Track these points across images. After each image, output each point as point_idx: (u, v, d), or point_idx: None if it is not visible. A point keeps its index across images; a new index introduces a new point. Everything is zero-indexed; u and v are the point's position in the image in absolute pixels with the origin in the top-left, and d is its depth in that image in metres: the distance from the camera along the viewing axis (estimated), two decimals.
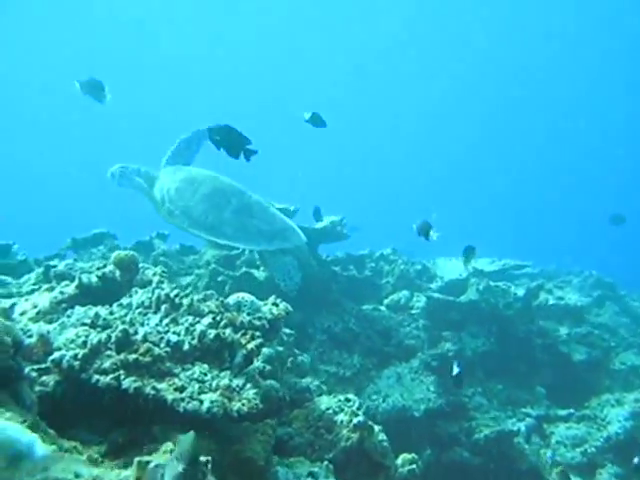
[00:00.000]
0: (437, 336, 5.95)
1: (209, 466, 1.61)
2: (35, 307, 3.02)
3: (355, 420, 3.37)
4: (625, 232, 9.29)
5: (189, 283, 5.57)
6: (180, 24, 32.54)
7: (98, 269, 3.24)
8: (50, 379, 2.36)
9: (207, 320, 2.71)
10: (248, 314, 3.05)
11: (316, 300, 5.65)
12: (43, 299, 3.07)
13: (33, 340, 2.46)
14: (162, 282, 3.14)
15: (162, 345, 2.54)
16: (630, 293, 8.38)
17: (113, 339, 2.43)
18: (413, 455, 3.78)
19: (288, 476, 2.78)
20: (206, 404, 2.31)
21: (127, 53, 30.93)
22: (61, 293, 3.07)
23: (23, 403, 1.97)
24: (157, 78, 31.93)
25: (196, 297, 2.91)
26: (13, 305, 3.07)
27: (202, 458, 1.58)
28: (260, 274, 5.49)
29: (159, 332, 2.62)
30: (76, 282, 3.13)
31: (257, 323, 2.90)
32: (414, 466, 3.70)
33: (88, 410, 2.36)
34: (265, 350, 3.23)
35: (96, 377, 2.30)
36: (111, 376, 2.29)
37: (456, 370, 3.96)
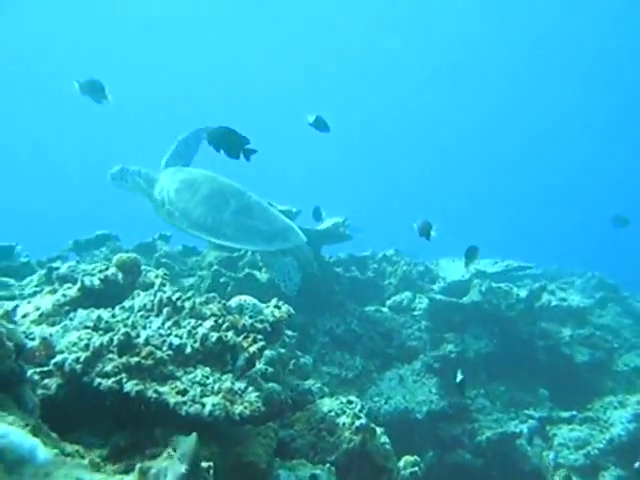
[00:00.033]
0: (439, 338, 5.94)
1: (211, 472, 1.61)
2: (38, 309, 3.02)
3: (357, 422, 3.37)
4: (628, 233, 9.25)
5: (191, 285, 5.57)
6: (183, 24, 32.57)
7: (100, 272, 3.24)
8: (52, 382, 2.36)
9: (209, 323, 2.71)
10: (250, 317, 3.05)
11: (318, 301, 5.65)
12: (45, 301, 3.07)
13: (35, 343, 2.47)
14: (164, 285, 3.14)
15: (164, 348, 2.54)
16: (633, 294, 8.34)
17: (115, 342, 2.43)
18: (415, 457, 3.78)
19: (290, 479, 2.77)
20: (208, 407, 2.31)
21: (127, 53, 30.96)
22: (63, 296, 3.07)
23: (25, 406, 1.97)
24: (157, 78, 31.95)
25: (198, 300, 2.90)
26: (15, 307, 3.07)
27: (204, 464, 1.58)
28: (262, 276, 5.48)
29: (161, 335, 2.62)
30: (78, 285, 3.13)
31: (259, 326, 2.90)
32: (416, 468, 3.70)
33: (90, 413, 2.36)
34: (267, 352, 3.23)
35: (98, 380, 2.30)
36: (113, 379, 2.30)
37: (459, 377, 3.96)
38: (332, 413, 3.46)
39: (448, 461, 5.01)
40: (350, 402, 3.59)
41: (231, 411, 2.34)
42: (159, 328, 2.68)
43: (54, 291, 3.22)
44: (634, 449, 5.30)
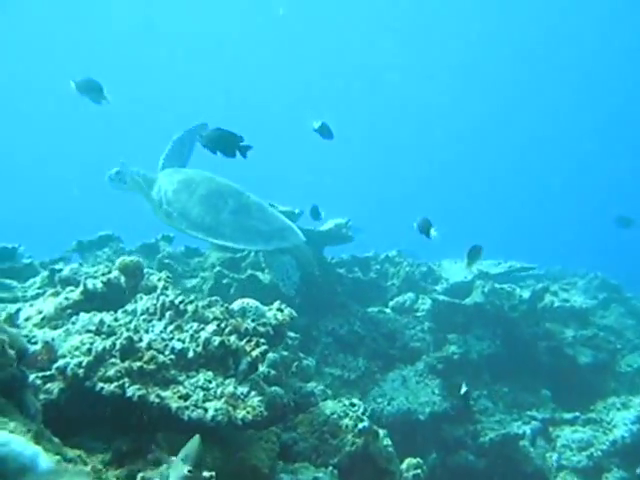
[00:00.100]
0: (442, 339, 5.93)
1: None
2: (40, 313, 3.02)
3: (360, 425, 3.37)
4: (631, 233, 9.22)
5: (194, 286, 5.57)
6: (183, 25, 32.56)
7: (103, 275, 3.24)
8: (54, 387, 2.36)
9: (212, 327, 2.71)
10: (253, 320, 3.05)
11: (321, 303, 5.65)
12: (48, 305, 3.06)
13: (38, 347, 2.46)
14: (167, 288, 3.13)
15: (166, 352, 2.54)
16: (636, 295, 8.30)
17: (117, 346, 2.43)
18: (418, 460, 3.78)
19: None
20: (210, 412, 2.31)
21: (128, 53, 30.97)
22: (66, 299, 3.07)
23: (27, 412, 1.97)
24: (158, 78, 31.93)
25: (200, 303, 2.90)
26: (18, 310, 3.07)
27: (206, 473, 1.57)
28: (265, 277, 5.48)
29: (163, 339, 2.62)
30: (81, 288, 3.12)
31: (262, 329, 2.89)
32: (419, 471, 3.70)
33: (92, 418, 2.36)
34: (270, 355, 3.22)
35: (100, 385, 2.30)
36: (115, 384, 2.29)
37: (464, 389, 3.96)
38: (335, 416, 3.46)
39: (451, 462, 5.00)
40: (353, 404, 3.59)
41: (234, 416, 2.33)
42: (161, 332, 2.68)
43: (57, 294, 3.22)
44: (637, 451, 5.29)
